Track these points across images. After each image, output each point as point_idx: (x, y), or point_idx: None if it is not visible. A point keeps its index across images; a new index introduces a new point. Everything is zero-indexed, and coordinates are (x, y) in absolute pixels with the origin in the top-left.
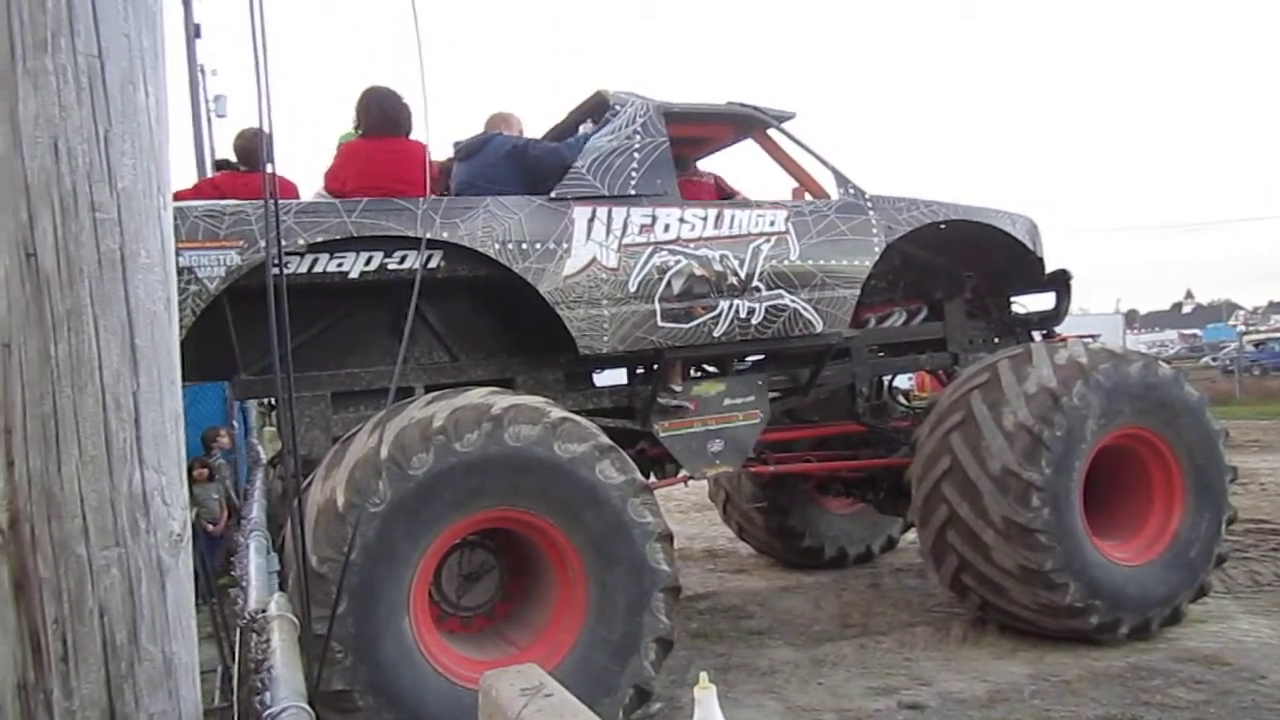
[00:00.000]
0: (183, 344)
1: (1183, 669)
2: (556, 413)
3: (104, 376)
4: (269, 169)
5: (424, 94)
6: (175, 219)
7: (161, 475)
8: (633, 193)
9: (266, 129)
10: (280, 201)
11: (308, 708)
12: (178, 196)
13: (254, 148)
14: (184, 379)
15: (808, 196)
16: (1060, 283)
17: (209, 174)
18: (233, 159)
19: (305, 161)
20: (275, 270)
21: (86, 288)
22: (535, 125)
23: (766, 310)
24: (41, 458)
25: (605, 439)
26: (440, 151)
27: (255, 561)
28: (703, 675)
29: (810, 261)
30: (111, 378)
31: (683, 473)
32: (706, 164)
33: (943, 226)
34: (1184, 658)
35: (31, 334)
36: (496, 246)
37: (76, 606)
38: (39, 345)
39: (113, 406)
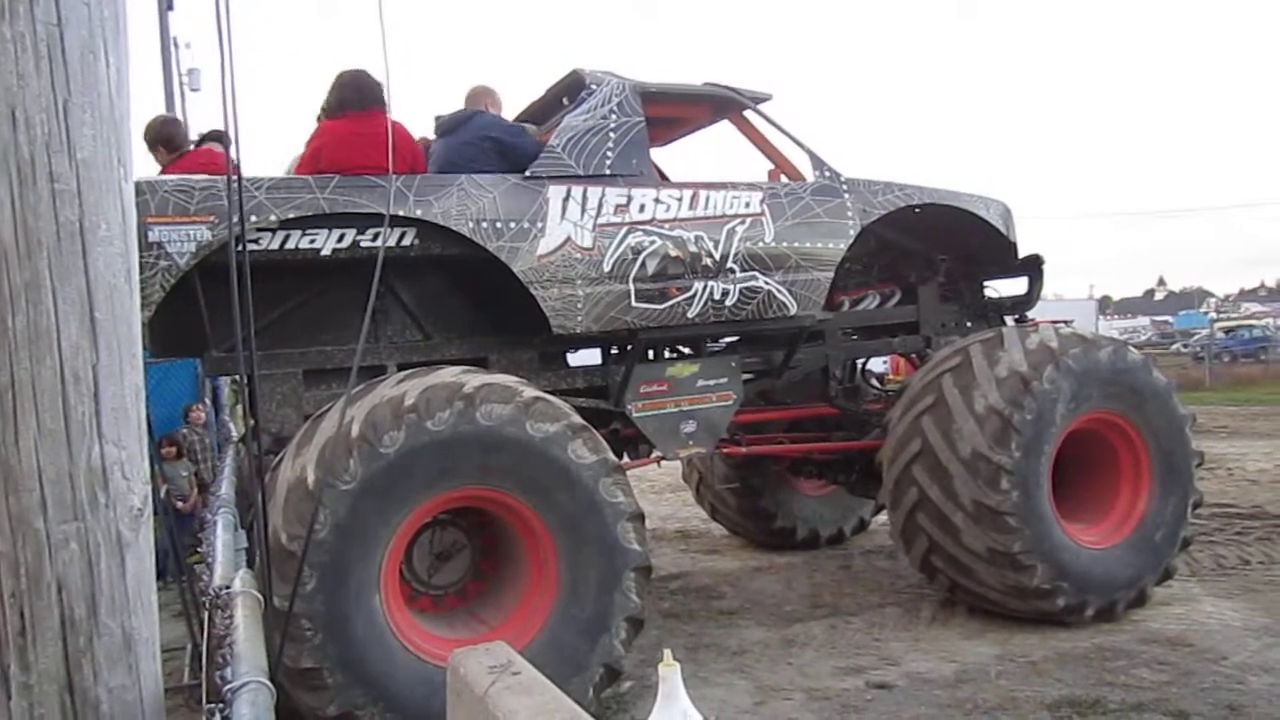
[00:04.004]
0: (154, 320)
1: (1147, 650)
2: (529, 392)
3: (63, 349)
4: (232, 147)
5: (386, 69)
6: (145, 193)
7: (121, 449)
8: (608, 172)
9: (230, 104)
10: (249, 177)
11: (268, 682)
12: (170, 169)
13: (172, 134)
14: (155, 355)
15: (783, 178)
16: (1033, 267)
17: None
18: (219, 128)
19: (280, 140)
20: (239, 249)
21: (45, 259)
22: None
23: (741, 292)
24: None
25: (578, 419)
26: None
27: (222, 538)
28: (666, 653)
29: (785, 244)
30: (70, 351)
31: (656, 453)
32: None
33: (917, 210)
34: (1148, 639)
35: None
36: (470, 225)
37: (34, 580)
38: None
39: (71, 380)
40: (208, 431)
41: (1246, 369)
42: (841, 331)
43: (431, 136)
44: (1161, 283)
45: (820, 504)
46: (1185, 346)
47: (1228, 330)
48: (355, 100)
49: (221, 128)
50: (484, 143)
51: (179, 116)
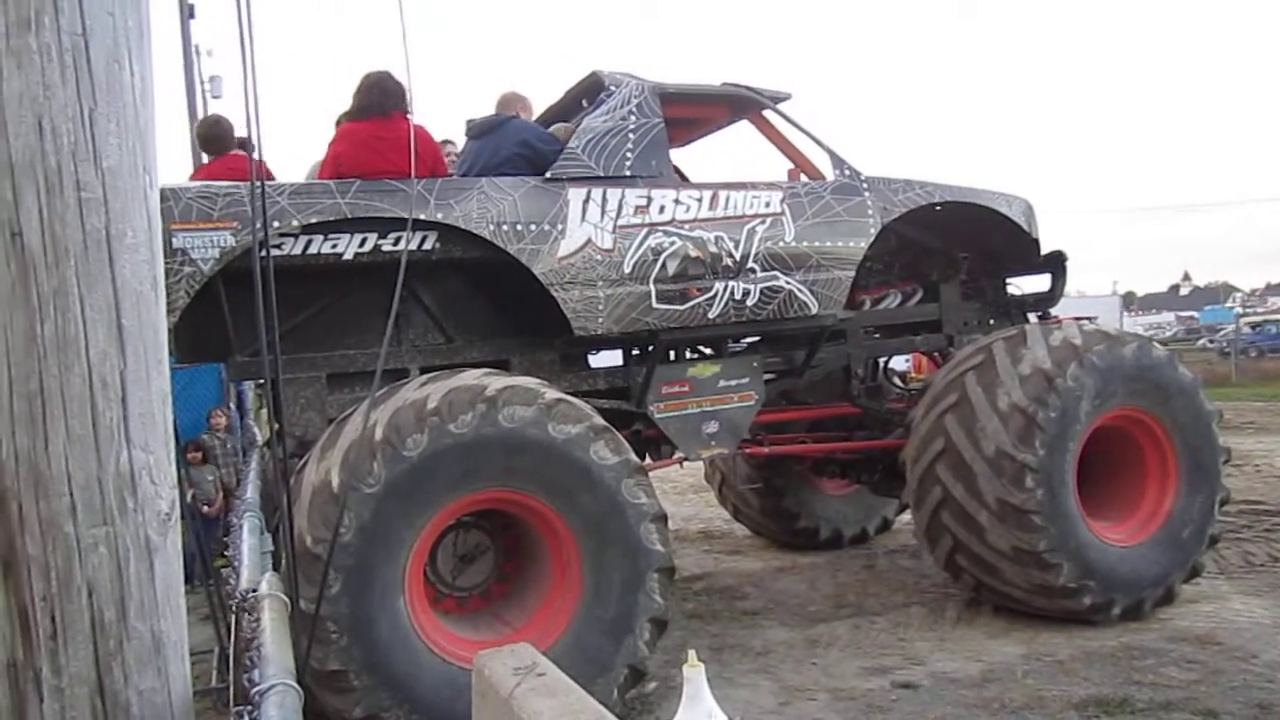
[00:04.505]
0: (179, 325)
1: (1175, 649)
2: (551, 394)
3: (90, 356)
4: (256, 152)
5: (409, 74)
6: (169, 199)
7: (149, 454)
8: (628, 174)
9: (253, 110)
10: (271, 183)
11: (295, 685)
12: (198, 175)
13: (215, 135)
14: (180, 360)
15: (803, 178)
16: (1055, 264)
17: (205, 155)
18: (244, 135)
19: (295, 144)
20: (262, 254)
21: (72, 267)
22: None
23: (761, 292)
24: (29, 436)
25: (600, 420)
26: (440, 133)
27: (248, 542)
28: (691, 653)
29: (805, 243)
30: (98, 357)
31: (678, 454)
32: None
33: (938, 208)
34: (1176, 637)
35: (17, 313)
36: (491, 228)
37: (64, 584)
38: (25, 324)
39: (99, 386)
40: (230, 436)
41: (1273, 364)
42: (863, 330)
43: (449, 138)
44: (1186, 278)
45: (843, 504)
46: (1211, 342)
47: (1254, 325)
48: (378, 104)
49: (245, 134)
50: (522, 148)
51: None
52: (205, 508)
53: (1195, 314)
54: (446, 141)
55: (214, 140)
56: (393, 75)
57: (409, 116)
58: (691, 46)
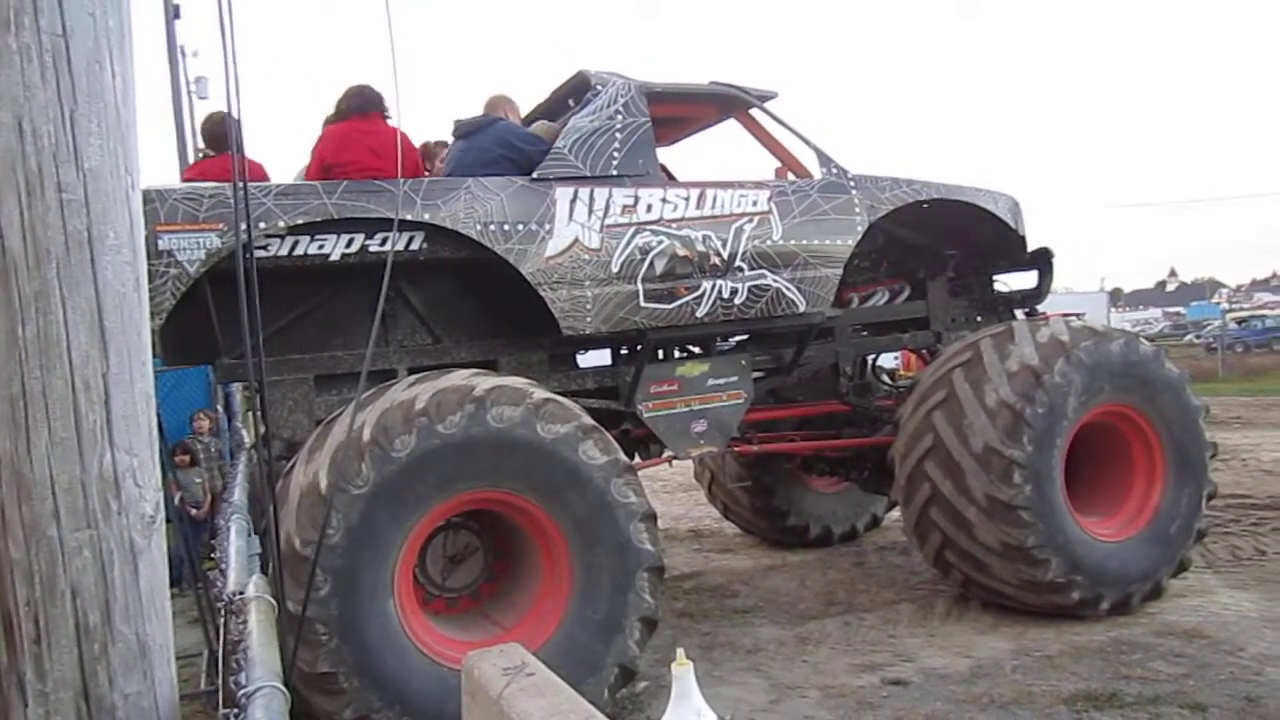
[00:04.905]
0: (165, 327)
1: (1163, 643)
2: (539, 394)
3: (73, 358)
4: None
5: (395, 79)
6: (154, 201)
7: (133, 457)
8: (615, 173)
9: (235, 111)
10: (257, 184)
11: (282, 687)
12: (187, 174)
13: (221, 133)
14: (167, 362)
15: (790, 176)
16: (1042, 261)
17: (190, 156)
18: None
19: (284, 145)
20: (246, 255)
21: (54, 269)
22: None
23: (749, 290)
24: (10, 440)
25: (588, 420)
26: (421, 136)
27: (235, 544)
28: (680, 652)
29: (793, 241)
30: (80, 359)
31: (667, 453)
32: None
33: (925, 205)
34: (1164, 632)
35: None
36: (478, 228)
37: (48, 588)
38: (6, 327)
39: (82, 388)
40: (214, 439)
41: (1259, 359)
42: (851, 328)
43: (440, 138)
44: (1173, 274)
45: (833, 501)
46: (1198, 337)
47: (1240, 321)
48: (357, 106)
49: (244, 134)
50: (505, 149)
51: (191, 125)
52: (194, 510)
53: (1182, 310)
54: (440, 143)
55: (219, 138)
56: (372, 86)
57: (387, 119)
58: (690, 46)
